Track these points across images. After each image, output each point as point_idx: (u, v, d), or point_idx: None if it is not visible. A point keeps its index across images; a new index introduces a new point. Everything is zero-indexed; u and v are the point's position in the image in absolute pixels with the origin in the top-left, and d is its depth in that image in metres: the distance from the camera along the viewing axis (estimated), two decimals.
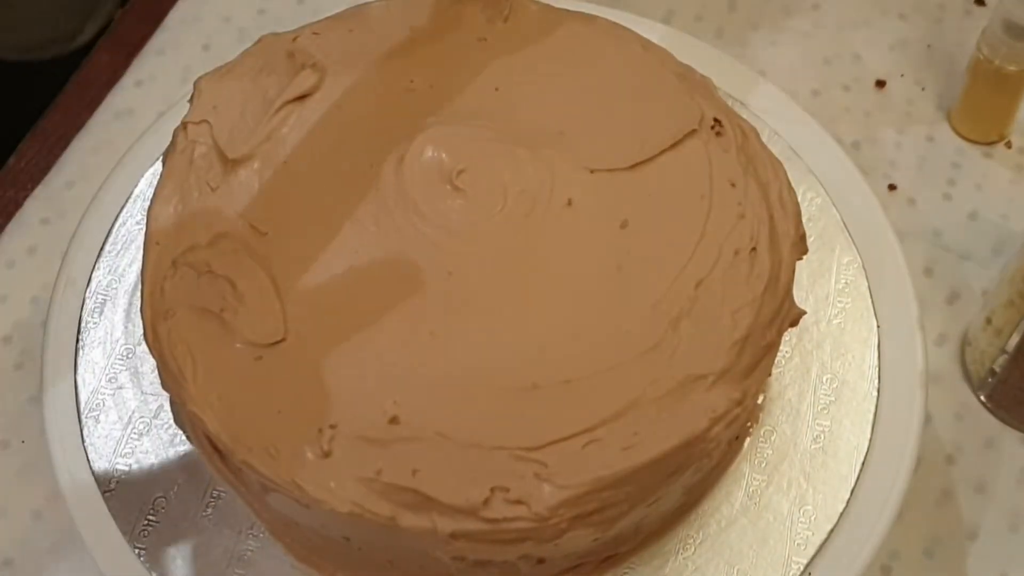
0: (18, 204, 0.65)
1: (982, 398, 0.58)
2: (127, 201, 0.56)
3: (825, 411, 0.51)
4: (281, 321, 0.44)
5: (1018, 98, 0.64)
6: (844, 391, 0.51)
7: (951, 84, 0.67)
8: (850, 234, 0.54)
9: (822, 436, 0.50)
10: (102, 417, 0.51)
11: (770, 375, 0.49)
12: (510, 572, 0.45)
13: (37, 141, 0.67)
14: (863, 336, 0.52)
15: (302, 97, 0.49)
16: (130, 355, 0.52)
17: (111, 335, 0.53)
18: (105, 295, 0.54)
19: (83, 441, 0.51)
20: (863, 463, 0.49)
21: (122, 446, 0.51)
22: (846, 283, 0.53)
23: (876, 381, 0.51)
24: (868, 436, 0.50)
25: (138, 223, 0.55)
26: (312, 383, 0.43)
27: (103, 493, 0.50)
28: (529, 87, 0.50)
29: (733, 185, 0.47)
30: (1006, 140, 0.66)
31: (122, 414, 0.51)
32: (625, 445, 0.42)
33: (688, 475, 0.45)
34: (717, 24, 0.70)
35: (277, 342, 0.44)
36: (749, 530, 0.48)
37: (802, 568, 0.48)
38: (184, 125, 0.49)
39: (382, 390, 0.43)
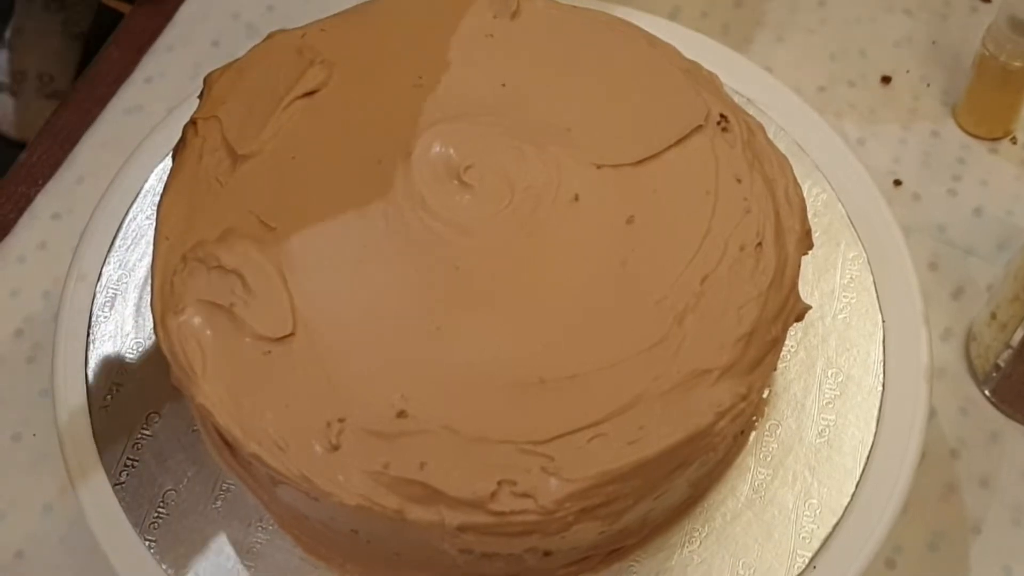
0: (29, 199, 0.65)
1: (986, 393, 0.59)
2: (137, 196, 0.56)
3: (830, 405, 0.51)
4: (290, 315, 0.45)
5: (1023, 94, 0.64)
6: (849, 386, 0.51)
7: (956, 80, 0.67)
8: (855, 229, 0.55)
9: (827, 430, 0.50)
10: (112, 410, 0.52)
11: (775, 370, 0.49)
12: (516, 565, 0.45)
13: (48, 137, 0.68)
14: (868, 331, 0.52)
15: (310, 93, 0.50)
16: (140, 349, 0.53)
17: (121, 329, 0.53)
18: (115, 290, 0.54)
19: (94, 434, 0.51)
20: (868, 457, 0.50)
21: (132, 439, 0.51)
22: (851, 278, 0.54)
23: (881, 376, 0.51)
24: (873, 430, 0.50)
25: (148, 218, 0.56)
26: (320, 377, 0.44)
27: (113, 486, 0.50)
28: (536, 83, 0.50)
29: (739, 181, 0.47)
30: (1011, 136, 0.66)
31: (133, 407, 0.52)
32: (631, 439, 0.42)
33: (693, 469, 0.45)
34: (723, 20, 0.70)
35: (286, 336, 0.44)
36: (754, 524, 0.49)
37: (807, 561, 0.48)
38: (193, 121, 0.49)
39: (390, 384, 0.43)
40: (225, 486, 0.50)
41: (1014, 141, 0.66)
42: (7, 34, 0.78)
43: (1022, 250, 0.55)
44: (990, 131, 0.66)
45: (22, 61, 0.79)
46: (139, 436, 0.51)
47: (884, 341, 0.52)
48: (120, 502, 0.50)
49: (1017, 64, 0.62)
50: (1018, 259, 0.55)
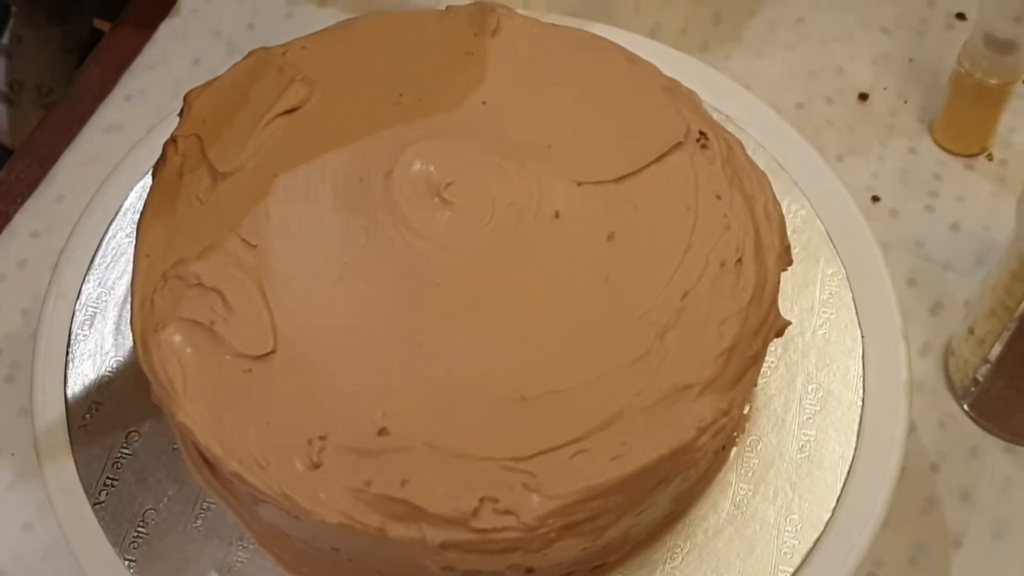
0: (8, 217, 0.65)
1: (965, 407, 0.59)
2: (117, 214, 0.56)
3: (810, 421, 0.51)
4: (271, 333, 0.45)
5: (999, 111, 0.65)
6: (829, 401, 0.51)
7: (933, 97, 0.68)
8: (834, 245, 0.55)
9: (808, 445, 0.51)
10: (92, 429, 0.51)
11: (756, 385, 0.49)
12: None
13: (27, 155, 0.67)
14: (848, 346, 0.53)
15: (291, 111, 0.50)
16: (120, 367, 0.53)
17: (101, 347, 0.53)
18: (95, 308, 0.54)
19: (73, 453, 0.51)
20: (848, 472, 0.50)
21: (112, 458, 0.51)
22: (830, 294, 0.54)
23: (861, 391, 0.52)
24: (853, 445, 0.50)
25: (128, 236, 0.55)
26: (302, 395, 0.44)
27: (93, 505, 0.50)
28: (516, 101, 0.50)
29: (719, 197, 0.48)
30: (987, 152, 0.67)
31: (112, 426, 0.51)
32: (613, 455, 0.42)
33: (675, 485, 0.45)
34: (702, 38, 0.71)
35: (267, 354, 0.44)
36: (736, 539, 0.49)
37: None
38: (174, 139, 0.49)
39: (371, 401, 0.43)
40: (206, 504, 0.50)
41: (990, 157, 0.66)
42: (4, 41, 0.78)
43: (999, 265, 0.55)
44: (966, 147, 0.66)
45: (20, 71, 0.79)
46: (119, 455, 0.51)
47: (863, 356, 0.52)
48: (100, 521, 0.49)
49: (993, 81, 0.62)
50: (995, 274, 0.55)
